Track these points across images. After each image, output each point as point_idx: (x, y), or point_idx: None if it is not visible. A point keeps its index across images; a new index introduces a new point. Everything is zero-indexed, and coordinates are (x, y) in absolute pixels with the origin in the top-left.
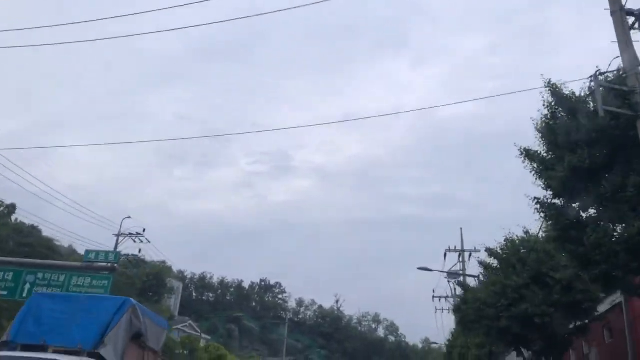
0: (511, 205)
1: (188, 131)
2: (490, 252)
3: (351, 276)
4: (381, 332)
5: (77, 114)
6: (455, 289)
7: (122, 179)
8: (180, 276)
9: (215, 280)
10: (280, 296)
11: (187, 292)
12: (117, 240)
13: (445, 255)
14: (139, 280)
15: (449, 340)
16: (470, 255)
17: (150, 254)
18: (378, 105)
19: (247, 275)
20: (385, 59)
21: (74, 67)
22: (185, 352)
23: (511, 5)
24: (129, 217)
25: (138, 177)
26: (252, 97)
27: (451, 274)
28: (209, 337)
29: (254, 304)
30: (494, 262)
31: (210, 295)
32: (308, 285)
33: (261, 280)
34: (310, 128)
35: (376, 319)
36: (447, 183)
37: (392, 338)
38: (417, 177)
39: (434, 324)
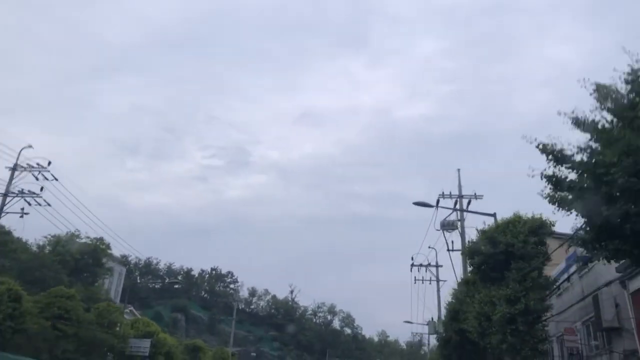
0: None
1: (142, 122)
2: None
3: (306, 272)
4: (337, 323)
5: (27, 100)
6: (452, 242)
7: (71, 169)
8: (124, 260)
9: (162, 266)
10: (232, 286)
11: (131, 278)
12: (12, 175)
13: (437, 202)
14: (72, 258)
15: (451, 303)
16: (469, 203)
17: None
18: (335, 102)
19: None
20: (344, 57)
21: (23, 50)
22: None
23: (467, 10)
24: (31, 147)
25: (88, 166)
26: (209, 90)
27: (446, 225)
28: None
29: (203, 292)
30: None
31: (157, 282)
32: (262, 280)
33: (212, 269)
34: (267, 124)
35: (332, 310)
36: (399, 182)
37: (348, 330)
38: (370, 176)
39: (395, 314)
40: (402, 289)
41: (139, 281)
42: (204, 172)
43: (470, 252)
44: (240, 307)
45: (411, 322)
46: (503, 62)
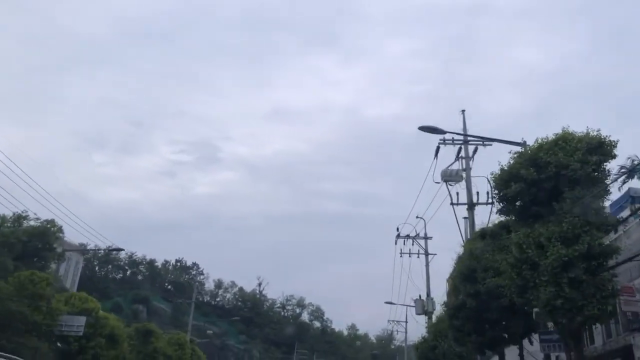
0: (426, 207)
1: (110, 115)
2: None
3: (276, 269)
4: (306, 317)
5: None
6: (457, 194)
7: (37, 161)
8: (82, 248)
9: (123, 256)
10: (198, 278)
11: (89, 268)
12: None
13: (437, 151)
14: (17, 240)
15: (461, 260)
16: (475, 151)
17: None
18: (306, 100)
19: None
20: (315, 54)
21: None
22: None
23: (439, 12)
24: None
25: (54, 159)
26: (179, 84)
27: (449, 176)
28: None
29: (167, 284)
30: None
31: (118, 272)
32: (230, 276)
33: (177, 260)
34: (237, 120)
35: (301, 304)
36: (370, 181)
37: (317, 323)
38: (340, 174)
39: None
40: (373, 285)
41: (97, 270)
42: (172, 168)
43: (502, 181)
44: (205, 300)
45: (392, 303)
46: (472, 64)
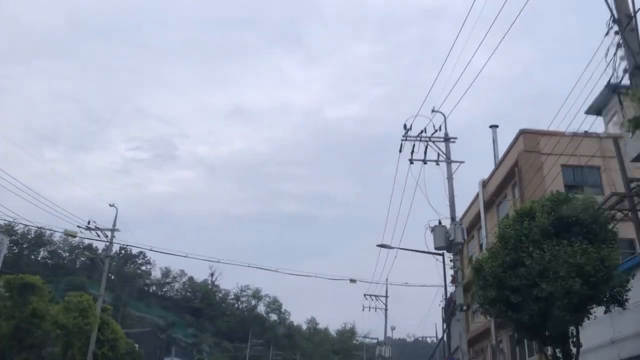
0: (386, 209)
1: (63, 110)
2: None
3: (233, 270)
4: (262, 309)
5: None
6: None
7: None
8: (6, 228)
9: (57, 238)
10: (143, 268)
11: (17, 250)
12: None
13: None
14: None
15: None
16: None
17: None
18: (267, 100)
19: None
20: (278, 54)
21: None
22: None
23: (399, 17)
24: None
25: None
26: (136, 80)
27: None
28: None
29: (109, 273)
30: None
31: (51, 257)
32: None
33: (121, 248)
34: (196, 118)
35: (257, 295)
36: (330, 182)
37: (274, 316)
38: (300, 175)
39: (324, 307)
40: (334, 286)
41: (25, 254)
42: (128, 165)
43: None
44: (151, 290)
45: (388, 247)
46: (430, 68)
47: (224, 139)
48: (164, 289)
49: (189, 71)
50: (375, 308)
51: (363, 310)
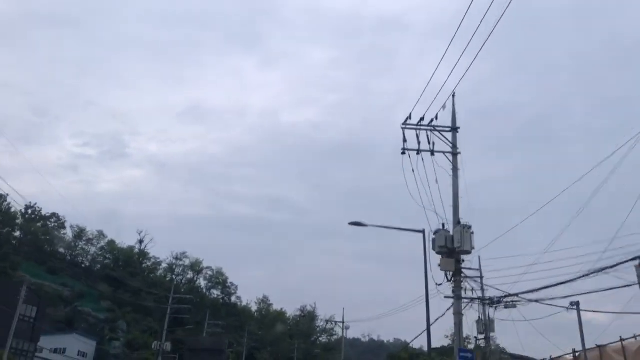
0: (337, 214)
1: (8, 101)
2: None
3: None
4: (202, 283)
5: None
6: None
7: None
8: None
9: None
10: (57, 232)
11: None
12: None
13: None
14: None
15: None
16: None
17: None
18: (223, 101)
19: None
20: (235, 55)
21: None
22: None
23: (357, 24)
24: None
25: None
26: (88, 74)
27: None
28: None
29: (18, 232)
30: None
31: None
32: None
33: (27, 206)
34: (148, 115)
35: (196, 267)
36: (282, 186)
37: (216, 292)
38: (253, 177)
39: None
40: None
41: None
42: (75, 161)
43: None
44: (59, 254)
45: (361, 225)
46: (386, 77)
47: (176, 138)
48: (75, 253)
49: (142, 67)
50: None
51: None
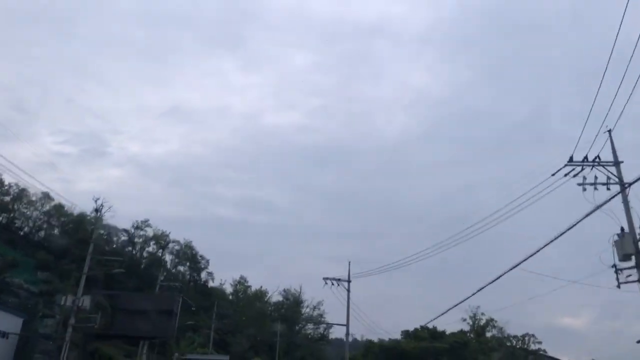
0: (321, 216)
1: None
2: None
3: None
4: (168, 258)
5: None
6: None
7: None
8: None
9: None
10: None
11: None
12: None
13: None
14: None
15: None
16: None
17: None
18: (206, 102)
19: None
20: (218, 56)
21: None
22: None
23: (341, 29)
24: None
25: None
26: (69, 72)
27: None
28: None
29: None
30: None
31: None
32: None
33: None
34: (130, 115)
35: (161, 240)
36: (265, 188)
37: (183, 267)
38: (235, 179)
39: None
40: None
41: None
42: (54, 159)
43: None
44: None
45: None
46: (369, 83)
47: (158, 138)
48: (12, 216)
49: (124, 66)
50: None
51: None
